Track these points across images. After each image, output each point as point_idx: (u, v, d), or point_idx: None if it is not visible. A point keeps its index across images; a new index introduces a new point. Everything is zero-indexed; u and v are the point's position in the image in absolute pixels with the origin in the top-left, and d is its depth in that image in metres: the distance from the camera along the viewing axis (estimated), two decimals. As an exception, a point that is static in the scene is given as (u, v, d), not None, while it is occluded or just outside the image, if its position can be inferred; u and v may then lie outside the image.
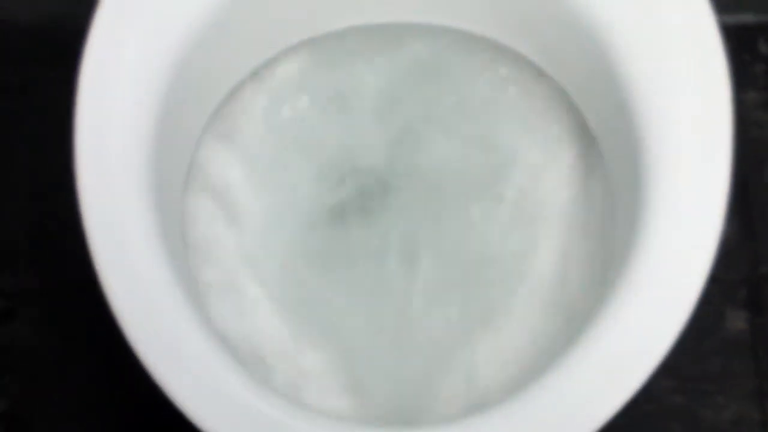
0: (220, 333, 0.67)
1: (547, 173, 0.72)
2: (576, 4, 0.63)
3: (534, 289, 0.69)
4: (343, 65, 0.76)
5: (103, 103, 0.60)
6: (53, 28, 0.93)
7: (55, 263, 0.89)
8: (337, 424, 0.56)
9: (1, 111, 0.92)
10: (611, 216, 0.66)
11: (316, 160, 0.73)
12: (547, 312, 0.69)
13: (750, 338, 0.86)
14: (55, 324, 0.88)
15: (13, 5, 0.94)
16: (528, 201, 0.71)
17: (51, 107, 0.89)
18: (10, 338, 0.88)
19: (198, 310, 0.58)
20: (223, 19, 0.64)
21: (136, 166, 0.59)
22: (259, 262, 0.70)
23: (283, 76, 0.73)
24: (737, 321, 0.86)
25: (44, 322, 0.88)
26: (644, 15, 0.61)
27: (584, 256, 0.69)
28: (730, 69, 0.60)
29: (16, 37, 0.94)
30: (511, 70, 0.74)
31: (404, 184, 0.73)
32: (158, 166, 0.61)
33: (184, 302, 0.57)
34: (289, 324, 0.69)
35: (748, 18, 0.93)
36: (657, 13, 0.61)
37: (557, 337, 0.68)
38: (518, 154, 0.73)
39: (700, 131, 0.59)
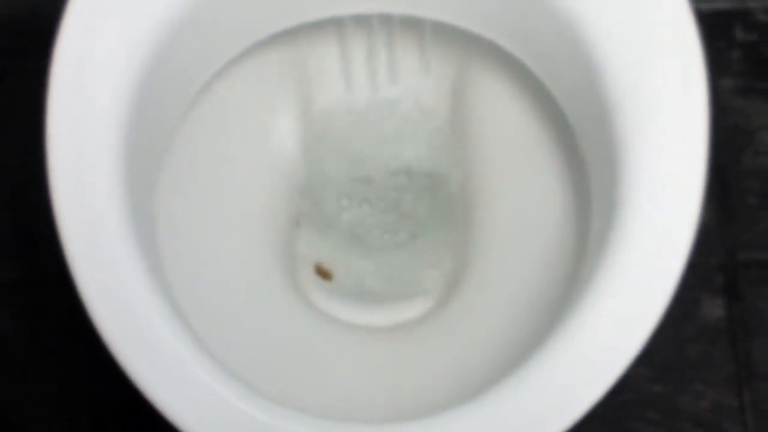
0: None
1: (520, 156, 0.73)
2: None
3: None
4: (319, 55, 0.77)
5: (75, 93, 0.59)
6: (28, 17, 0.93)
7: (37, 254, 0.88)
8: (309, 420, 0.56)
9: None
10: (587, 204, 0.66)
11: None
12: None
13: (727, 325, 0.86)
14: (38, 315, 0.87)
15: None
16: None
17: (28, 97, 0.89)
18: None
19: (172, 307, 0.58)
20: (200, 6, 0.63)
21: (111, 161, 0.58)
22: None
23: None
24: (714, 308, 0.86)
25: (27, 313, 0.87)
26: (618, 1, 0.61)
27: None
28: (706, 56, 0.60)
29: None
30: (485, 59, 0.74)
31: None
32: (133, 159, 0.60)
33: (157, 299, 0.57)
34: None
35: (723, 4, 0.93)
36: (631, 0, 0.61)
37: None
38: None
39: (676, 118, 0.59)
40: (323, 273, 0.78)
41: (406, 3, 0.71)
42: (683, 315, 0.86)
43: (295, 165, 0.78)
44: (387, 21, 0.74)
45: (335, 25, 0.75)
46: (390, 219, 0.81)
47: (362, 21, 0.74)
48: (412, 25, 0.74)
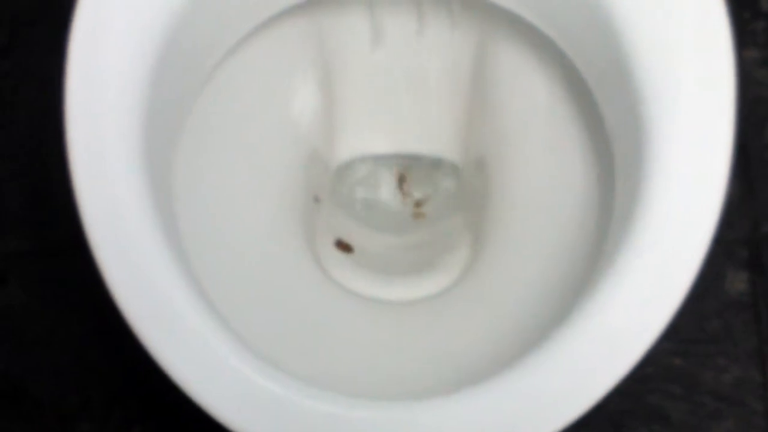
0: None
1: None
2: None
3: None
4: (342, 26, 0.77)
5: (94, 61, 0.59)
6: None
7: (47, 225, 0.88)
8: (326, 394, 0.56)
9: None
10: (611, 179, 0.65)
11: None
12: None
13: (751, 299, 0.86)
14: (48, 286, 0.88)
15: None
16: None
17: (40, 67, 0.89)
18: (3, 301, 0.88)
19: (190, 279, 0.57)
20: None
21: (129, 131, 0.58)
22: None
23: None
24: (738, 282, 0.86)
25: (37, 284, 0.88)
26: None
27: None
28: (730, 27, 0.59)
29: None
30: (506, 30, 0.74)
31: None
32: (151, 129, 0.60)
33: (175, 271, 0.57)
34: None
35: (749, -25, 0.92)
36: None
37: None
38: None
39: (702, 90, 0.58)
40: (344, 246, 0.78)
41: None
42: (707, 289, 0.86)
43: (315, 138, 0.78)
44: None
45: None
46: (410, 193, 0.80)
47: None
48: None
